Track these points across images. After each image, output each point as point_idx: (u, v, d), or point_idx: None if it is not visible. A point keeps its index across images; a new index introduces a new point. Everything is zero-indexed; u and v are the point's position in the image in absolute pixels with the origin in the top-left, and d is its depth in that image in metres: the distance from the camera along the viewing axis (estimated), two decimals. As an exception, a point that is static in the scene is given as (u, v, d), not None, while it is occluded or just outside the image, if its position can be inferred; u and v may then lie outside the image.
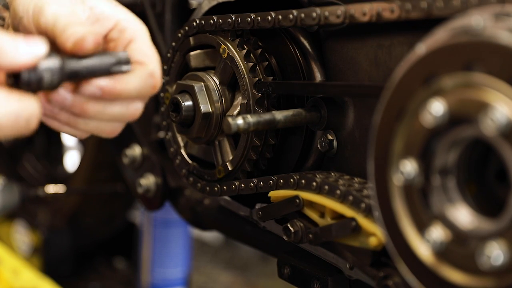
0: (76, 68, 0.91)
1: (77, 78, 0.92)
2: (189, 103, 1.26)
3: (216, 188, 1.29)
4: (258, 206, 1.24)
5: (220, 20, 1.24)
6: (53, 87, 0.90)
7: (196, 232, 2.55)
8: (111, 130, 1.00)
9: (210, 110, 1.25)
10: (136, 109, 0.98)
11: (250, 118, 1.15)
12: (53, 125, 0.99)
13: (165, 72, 1.33)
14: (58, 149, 2.62)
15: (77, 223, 2.39)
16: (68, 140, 2.61)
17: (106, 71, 0.94)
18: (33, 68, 0.88)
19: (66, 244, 2.40)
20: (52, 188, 2.22)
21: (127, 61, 0.95)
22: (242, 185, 1.24)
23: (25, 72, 0.88)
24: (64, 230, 2.39)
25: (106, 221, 2.46)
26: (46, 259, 2.39)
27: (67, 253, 2.40)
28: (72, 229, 2.40)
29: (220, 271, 2.67)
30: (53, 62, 0.89)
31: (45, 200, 2.37)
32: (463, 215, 0.86)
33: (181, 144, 1.35)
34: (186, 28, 1.30)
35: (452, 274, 0.85)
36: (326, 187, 1.10)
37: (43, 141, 2.59)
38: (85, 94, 0.93)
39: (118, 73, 0.94)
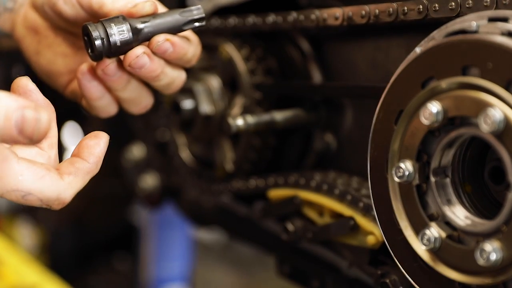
0: (147, 27, 0.94)
1: (149, 38, 0.94)
2: (189, 103, 1.27)
3: (216, 188, 1.30)
4: (257, 205, 1.25)
5: (221, 22, 1.25)
6: (127, 49, 0.93)
7: (197, 233, 2.56)
8: (148, 103, 1.03)
9: (210, 110, 1.26)
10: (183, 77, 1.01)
11: (250, 119, 1.16)
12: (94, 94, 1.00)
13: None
14: (58, 149, 2.62)
15: (80, 223, 2.40)
16: (69, 140, 2.62)
17: (178, 29, 0.96)
18: (105, 37, 0.91)
19: (69, 244, 2.41)
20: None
21: (201, 18, 0.96)
22: (242, 184, 1.25)
23: (99, 44, 0.91)
24: (67, 229, 2.40)
25: (107, 220, 2.47)
26: (49, 258, 2.40)
27: (70, 252, 2.41)
28: (75, 229, 2.41)
29: (221, 272, 2.68)
30: (122, 27, 0.92)
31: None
32: (459, 215, 0.88)
33: (182, 143, 1.36)
34: (187, 29, 1.31)
35: (449, 272, 0.86)
36: (325, 186, 1.11)
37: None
38: (158, 50, 0.94)
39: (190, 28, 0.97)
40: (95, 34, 0.91)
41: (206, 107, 1.26)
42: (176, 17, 0.95)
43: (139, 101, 1.03)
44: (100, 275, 2.51)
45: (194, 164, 1.35)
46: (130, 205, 2.46)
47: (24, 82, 0.85)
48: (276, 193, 1.19)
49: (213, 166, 1.31)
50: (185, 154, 1.36)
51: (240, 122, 1.15)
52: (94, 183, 2.35)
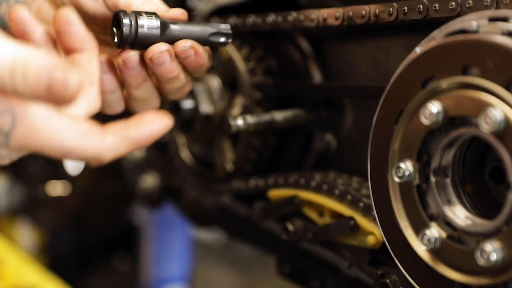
0: (176, 29, 0.95)
1: (175, 40, 0.96)
2: (189, 103, 1.27)
3: (216, 188, 1.30)
4: (257, 205, 1.25)
5: (221, 22, 1.25)
6: (152, 44, 0.94)
7: (197, 233, 2.56)
8: (155, 105, 1.03)
9: (210, 110, 1.27)
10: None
11: (250, 119, 1.16)
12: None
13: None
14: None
15: (80, 223, 2.41)
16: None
17: (204, 39, 0.97)
18: (134, 26, 0.92)
19: (69, 244, 2.41)
20: (57, 189, 2.23)
21: (228, 34, 0.98)
22: (242, 184, 1.25)
23: (127, 30, 0.92)
24: (67, 229, 2.40)
25: (107, 220, 2.47)
26: (49, 258, 2.40)
27: (69, 252, 2.42)
28: (75, 229, 2.41)
29: (221, 272, 2.68)
30: (153, 22, 0.93)
31: (49, 200, 2.38)
32: (460, 215, 0.88)
33: (182, 144, 1.36)
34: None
35: (449, 272, 0.86)
36: (325, 186, 1.11)
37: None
38: (182, 54, 0.96)
39: (215, 43, 0.98)
40: (126, 20, 0.92)
41: (206, 107, 1.26)
42: (204, 27, 0.97)
43: (148, 102, 1.03)
44: (100, 275, 2.51)
45: (194, 164, 1.35)
46: (130, 205, 2.46)
47: (66, 14, 0.84)
48: (276, 193, 1.19)
49: (213, 166, 1.31)
50: (185, 154, 1.37)
51: (240, 122, 1.15)
52: (94, 183, 2.35)
